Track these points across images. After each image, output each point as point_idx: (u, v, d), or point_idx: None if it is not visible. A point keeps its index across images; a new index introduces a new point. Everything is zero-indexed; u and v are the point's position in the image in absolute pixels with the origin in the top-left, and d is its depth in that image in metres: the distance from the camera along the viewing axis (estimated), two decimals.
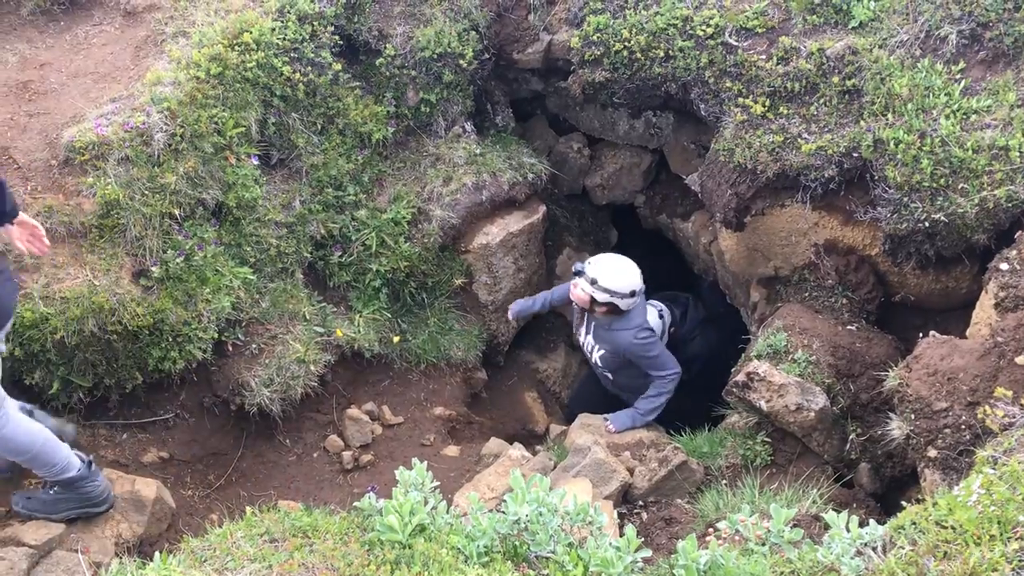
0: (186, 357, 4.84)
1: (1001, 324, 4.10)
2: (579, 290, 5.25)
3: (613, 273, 5.19)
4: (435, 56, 6.10)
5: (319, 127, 5.86)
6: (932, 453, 3.92)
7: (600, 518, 2.94)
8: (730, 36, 5.59)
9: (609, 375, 5.66)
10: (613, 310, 5.26)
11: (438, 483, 3.14)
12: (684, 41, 5.66)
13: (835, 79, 5.25)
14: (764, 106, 5.42)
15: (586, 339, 5.60)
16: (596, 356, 5.54)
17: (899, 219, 4.96)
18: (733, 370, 5.43)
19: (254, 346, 5.22)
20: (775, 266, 5.90)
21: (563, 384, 7.00)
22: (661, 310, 6.26)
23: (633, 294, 5.18)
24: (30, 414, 4.18)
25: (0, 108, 5.08)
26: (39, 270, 4.50)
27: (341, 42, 5.98)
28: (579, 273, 5.23)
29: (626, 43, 5.78)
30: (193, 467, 5.08)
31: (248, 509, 3.14)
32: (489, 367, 6.61)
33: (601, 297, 5.19)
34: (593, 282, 5.17)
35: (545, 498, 2.88)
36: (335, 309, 5.75)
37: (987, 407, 3.57)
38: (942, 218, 4.79)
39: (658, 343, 5.40)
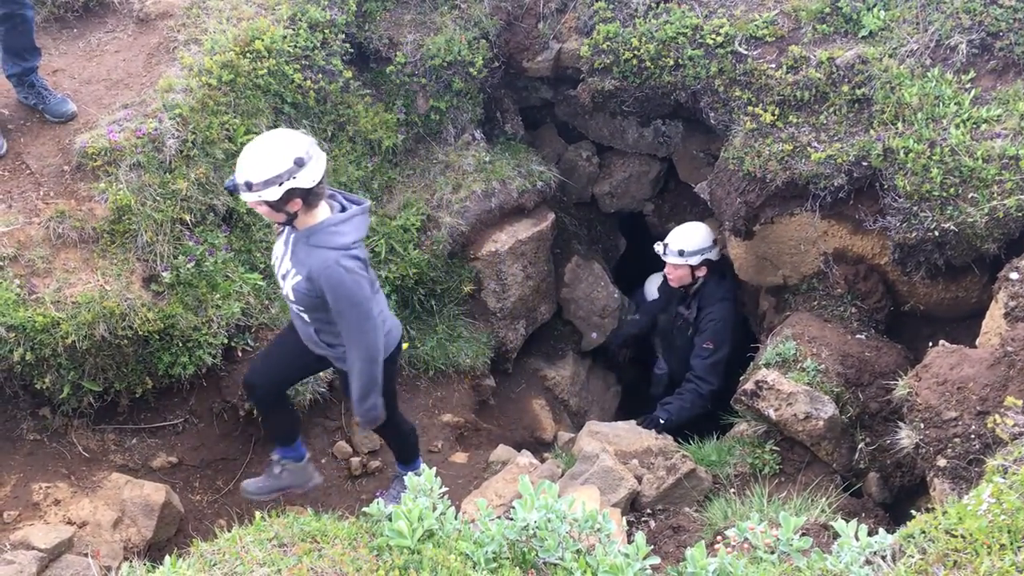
0: (196, 362, 4.86)
1: (1011, 333, 4.09)
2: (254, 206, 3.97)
3: (259, 158, 3.80)
4: (445, 64, 6.13)
5: (329, 134, 5.88)
6: (941, 462, 3.90)
7: (608, 525, 2.94)
8: (740, 45, 5.59)
9: (305, 316, 4.17)
10: (298, 203, 3.87)
11: (446, 489, 3.14)
12: (694, 50, 5.67)
13: (845, 88, 5.25)
14: (774, 115, 5.42)
15: (283, 263, 4.11)
16: (290, 285, 4.05)
17: (909, 228, 4.96)
18: (742, 379, 5.42)
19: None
20: (784, 275, 5.90)
21: (571, 392, 7.00)
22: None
23: (300, 163, 3.76)
24: None
25: (13, 114, 5.12)
26: (51, 275, 4.52)
27: (352, 50, 6.02)
28: (233, 189, 3.90)
29: (636, 52, 5.80)
30: (202, 472, 5.09)
31: (257, 514, 3.15)
32: (497, 374, 6.61)
33: (266, 195, 3.79)
34: (249, 186, 3.80)
35: (554, 505, 2.88)
36: None
37: (997, 416, 3.56)
38: (952, 227, 4.79)
39: (363, 288, 3.93)
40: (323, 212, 4.01)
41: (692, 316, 6.38)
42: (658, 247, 6.38)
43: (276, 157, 3.77)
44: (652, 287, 7.12)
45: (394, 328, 4.40)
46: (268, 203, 3.83)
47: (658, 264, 7.17)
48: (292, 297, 4.09)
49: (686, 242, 6.23)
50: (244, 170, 3.80)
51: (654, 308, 7.00)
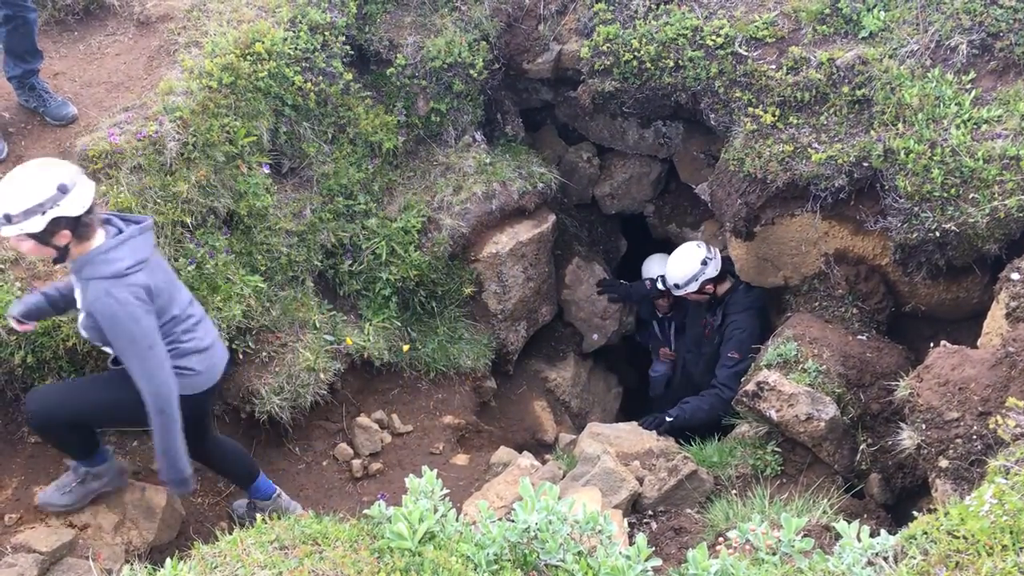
0: None
1: (1012, 334, 4.09)
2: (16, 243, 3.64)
3: (18, 187, 3.49)
4: (445, 66, 6.13)
5: (330, 136, 5.88)
6: (943, 463, 3.90)
7: (610, 527, 2.93)
8: (740, 46, 5.59)
9: (110, 351, 3.86)
10: (67, 236, 3.56)
11: (448, 491, 3.14)
12: (694, 51, 5.67)
13: (845, 89, 5.25)
14: (774, 116, 5.42)
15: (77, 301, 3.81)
16: (80, 323, 3.81)
17: (910, 229, 4.96)
18: (743, 379, 5.42)
19: (264, 354, 5.23)
20: (785, 276, 5.89)
21: (572, 393, 7.00)
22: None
23: (64, 189, 3.48)
24: None
25: (14, 117, 5.13)
26: (51, 277, 4.52)
27: (352, 52, 6.02)
28: None
29: (636, 53, 5.80)
30: (203, 474, 5.08)
31: (258, 516, 3.15)
32: (498, 376, 6.61)
33: (27, 226, 3.48)
34: (8, 218, 3.47)
35: (555, 506, 2.87)
36: (345, 318, 5.76)
37: (999, 417, 3.56)
38: (953, 228, 4.79)
39: (139, 321, 3.59)
40: (97, 240, 3.67)
41: (717, 323, 6.38)
42: (660, 284, 6.63)
43: (37, 184, 3.48)
44: (651, 267, 7.13)
45: (211, 368, 4.08)
46: (33, 236, 3.51)
47: (658, 246, 7.21)
48: (85, 335, 3.81)
49: (675, 276, 6.34)
50: (1, 202, 3.48)
51: (642, 289, 7.04)
